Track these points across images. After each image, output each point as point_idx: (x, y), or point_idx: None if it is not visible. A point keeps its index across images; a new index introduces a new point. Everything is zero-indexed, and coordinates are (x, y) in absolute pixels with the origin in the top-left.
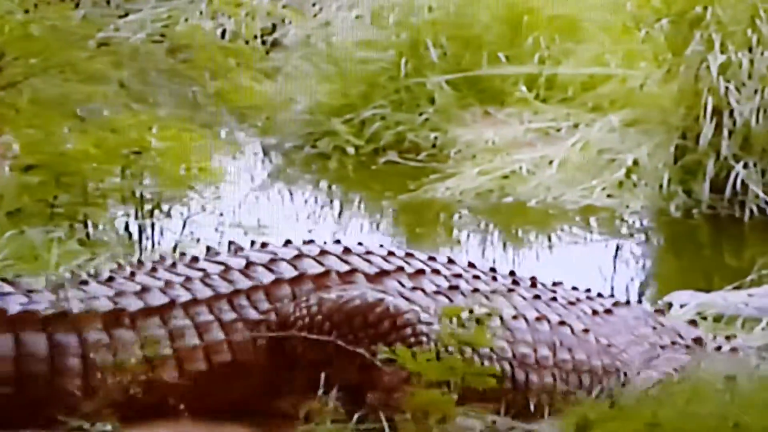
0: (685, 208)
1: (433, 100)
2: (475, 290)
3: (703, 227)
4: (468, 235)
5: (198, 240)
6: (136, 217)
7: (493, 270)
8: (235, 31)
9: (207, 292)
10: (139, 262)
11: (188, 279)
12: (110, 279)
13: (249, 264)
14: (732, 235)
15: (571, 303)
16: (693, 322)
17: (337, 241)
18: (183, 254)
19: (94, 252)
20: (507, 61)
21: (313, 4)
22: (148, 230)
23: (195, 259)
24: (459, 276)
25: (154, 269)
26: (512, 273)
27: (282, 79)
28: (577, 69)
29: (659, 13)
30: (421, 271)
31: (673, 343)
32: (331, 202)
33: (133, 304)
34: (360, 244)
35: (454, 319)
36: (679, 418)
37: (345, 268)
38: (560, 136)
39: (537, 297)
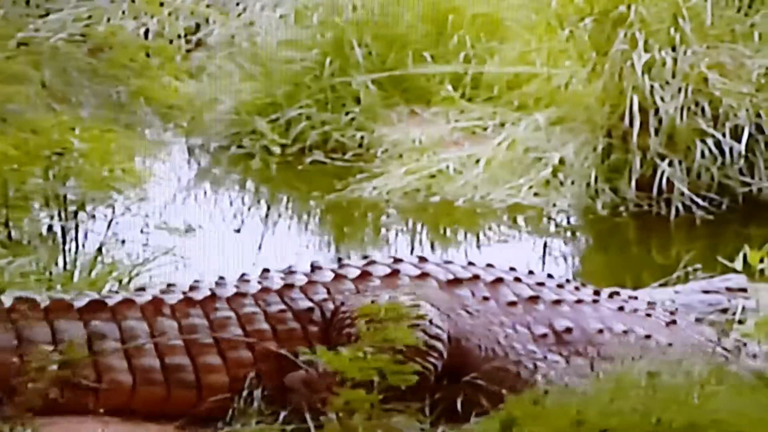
0: (611, 206)
1: (359, 100)
2: (558, 301)
3: (630, 225)
4: (396, 235)
5: (123, 242)
6: (60, 219)
7: (569, 280)
8: (159, 31)
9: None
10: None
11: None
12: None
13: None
14: (658, 232)
15: (648, 315)
16: None
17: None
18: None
19: (15, 254)
20: (432, 60)
21: (237, 4)
22: (72, 232)
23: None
24: (542, 284)
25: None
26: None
27: (206, 79)
28: (502, 68)
29: (583, 12)
30: (499, 279)
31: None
32: (258, 202)
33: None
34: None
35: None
36: (603, 414)
37: (417, 272)
38: (486, 135)
39: (621, 308)
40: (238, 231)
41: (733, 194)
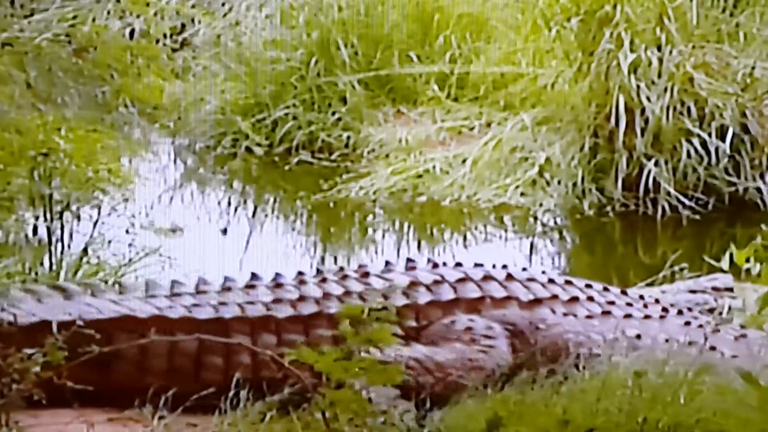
0: (598, 206)
1: (345, 100)
2: (628, 315)
3: (617, 225)
4: (383, 235)
5: (109, 242)
6: (45, 220)
7: (642, 297)
8: (144, 31)
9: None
10: (318, 271)
11: (347, 293)
12: (278, 285)
13: (413, 283)
14: (645, 232)
15: (701, 326)
16: None
17: (504, 266)
18: (361, 266)
19: (0, 255)
20: (418, 60)
21: (223, 4)
22: (58, 232)
23: (366, 273)
24: (612, 303)
25: (324, 280)
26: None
27: (192, 79)
28: (488, 68)
29: (569, 12)
30: (575, 299)
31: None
32: (245, 202)
33: (282, 312)
34: (524, 269)
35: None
36: (589, 413)
37: (501, 294)
38: (473, 135)
39: (687, 323)
40: (225, 231)
41: (719, 194)
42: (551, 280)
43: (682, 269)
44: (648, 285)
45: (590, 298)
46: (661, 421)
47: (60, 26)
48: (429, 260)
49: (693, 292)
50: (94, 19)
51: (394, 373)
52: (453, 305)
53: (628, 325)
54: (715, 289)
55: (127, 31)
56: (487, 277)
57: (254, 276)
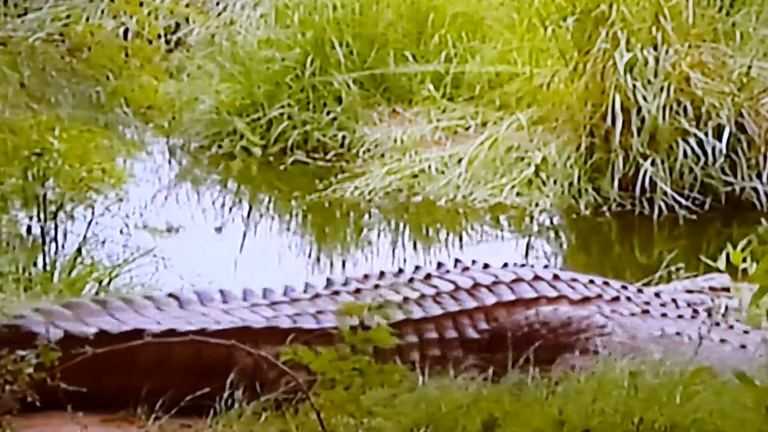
0: (594, 206)
1: (340, 100)
2: (664, 315)
3: (613, 224)
4: (378, 235)
5: (103, 242)
6: (39, 220)
7: (674, 301)
8: (138, 31)
9: (437, 310)
10: (381, 273)
11: (422, 296)
12: (357, 291)
13: (475, 284)
14: (641, 231)
15: (730, 327)
16: None
17: (546, 266)
18: (417, 268)
19: None
20: (413, 59)
21: (217, 3)
22: (51, 233)
23: (428, 275)
24: (648, 303)
25: (393, 284)
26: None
27: (186, 78)
28: (483, 67)
29: (564, 11)
30: (616, 298)
31: None
32: (240, 202)
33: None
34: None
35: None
36: (584, 414)
37: (554, 294)
38: (468, 135)
39: (717, 324)
40: (219, 230)
41: (715, 193)
42: (591, 281)
43: (678, 269)
44: (644, 285)
45: (628, 298)
46: (657, 422)
47: (54, 26)
48: (474, 262)
49: (690, 292)
50: (87, 19)
51: (392, 374)
52: (514, 305)
53: (666, 324)
54: (712, 288)
55: (121, 31)
56: (537, 278)
57: (330, 282)
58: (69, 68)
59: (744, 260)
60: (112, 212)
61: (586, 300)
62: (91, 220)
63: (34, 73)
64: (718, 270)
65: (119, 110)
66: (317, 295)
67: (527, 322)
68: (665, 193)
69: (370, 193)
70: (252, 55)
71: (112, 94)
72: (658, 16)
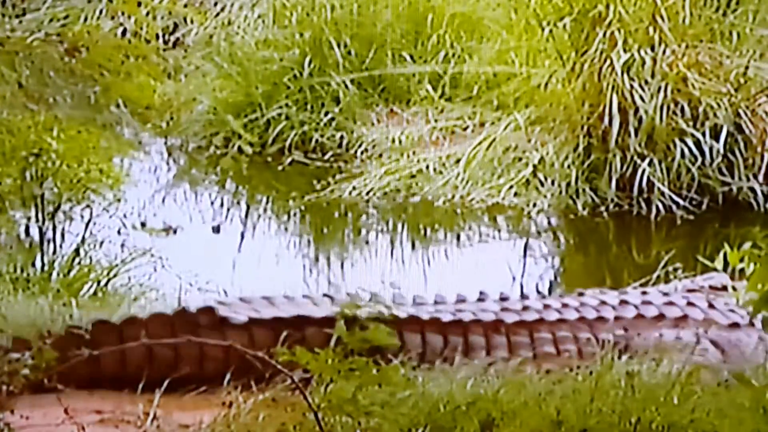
0: (592, 206)
1: (338, 100)
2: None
3: (610, 225)
4: (376, 235)
5: (101, 242)
6: (37, 220)
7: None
8: (136, 31)
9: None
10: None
11: (565, 305)
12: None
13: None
14: (639, 232)
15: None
16: None
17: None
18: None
19: None
20: (411, 60)
21: (215, 3)
22: (49, 233)
23: (582, 293)
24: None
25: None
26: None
27: (184, 78)
28: (481, 67)
29: (562, 12)
30: (684, 317)
31: None
32: (237, 203)
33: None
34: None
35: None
36: (582, 414)
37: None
38: (466, 135)
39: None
40: (217, 229)
41: (713, 194)
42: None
43: (676, 269)
44: (642, 285)
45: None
46: (655, 422)
47: (52, 26)
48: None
49: (691, 291)
50: (86, 19)
51: (389, 374)
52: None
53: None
54: (712, 288)
55: (119, 30)
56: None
57: (482, 293)
58: (67, 68)
59: (741, 260)
60: (110, 212)
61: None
62: (89, 221)
63: (32, 73)
64: (715, 270)
65: (117, 110)
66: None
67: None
68: (663, 194)
69: (368, 193)
70: (250, 55)
71: (110, 94)
72: (655, 17)
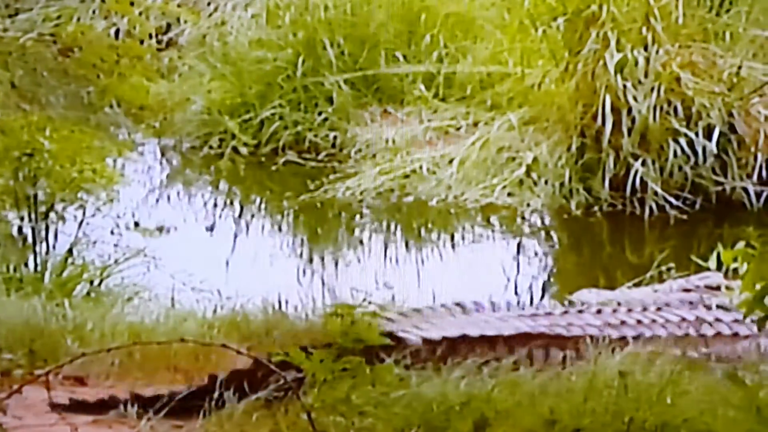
0: (585, 206)
1: (332, 100)
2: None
3: (604, 224)
4: (370, 235)
5: (94, 243)
6: (29, 220)
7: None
8: (129, 31)
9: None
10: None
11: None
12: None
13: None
14: (632, 231)
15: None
16: None
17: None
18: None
19: None
20: (405, 59)
21: (208, 3)
22: (42, 233)
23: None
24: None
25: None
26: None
27: (177, 79)
28: (474, 67)
29: (555, 12)
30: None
31: None
32: (231, 203)
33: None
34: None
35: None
36: (575, 414)
37: None
38: (460, 135)
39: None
40: (211, 229)
41: (706, 193)
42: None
43: (669, 269)
44: (635, 285)
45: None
46: (648, 421)
47: (45, 26)
48: None
49: (686, 291)
50: (78, 19)
51: (384, 374)
52: None
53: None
54: (707, 287)
55: (112, 31)
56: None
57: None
58: (60, 68)
59: (734, 260)
60: (103, 212)
61: None
62: (82, 221)
63: (25, 73)
64: (709, 270)
65: (110, 110)
66: (566, 312)
67: None
68: (656, 193)
69: (361, 193)
70: (243, 55)
71: (103, 94)
72: (649, 17)
